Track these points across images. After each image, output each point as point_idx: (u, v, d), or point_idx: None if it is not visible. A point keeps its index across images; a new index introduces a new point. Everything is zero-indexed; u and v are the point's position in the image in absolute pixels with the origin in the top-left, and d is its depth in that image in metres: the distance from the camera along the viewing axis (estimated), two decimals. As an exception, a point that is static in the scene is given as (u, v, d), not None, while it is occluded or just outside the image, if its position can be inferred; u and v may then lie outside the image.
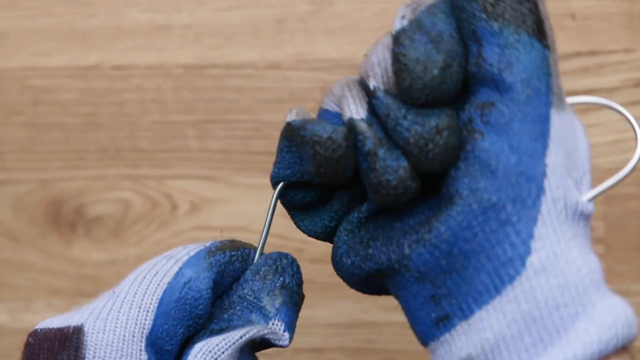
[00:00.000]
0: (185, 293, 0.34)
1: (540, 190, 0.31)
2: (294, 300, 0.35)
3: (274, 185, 0.35)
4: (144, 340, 0.33)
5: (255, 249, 0.36)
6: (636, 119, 0.61)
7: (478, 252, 0.31)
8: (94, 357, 0.33)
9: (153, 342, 0.34)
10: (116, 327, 0.34)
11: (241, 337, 0.32)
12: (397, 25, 0.31)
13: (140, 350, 0.33)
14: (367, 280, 0.34)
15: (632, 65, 0.58)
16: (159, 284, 0.34)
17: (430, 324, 0.33)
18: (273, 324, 0.34)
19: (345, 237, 0.35)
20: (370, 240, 0.34)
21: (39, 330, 0.34)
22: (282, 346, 0.34)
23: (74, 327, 0.34)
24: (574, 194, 0.32)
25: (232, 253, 0.35)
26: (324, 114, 0.35)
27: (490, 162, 0.31)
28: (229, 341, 0.32)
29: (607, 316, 0.31)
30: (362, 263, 0.34)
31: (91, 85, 0.59)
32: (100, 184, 0.60)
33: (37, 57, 0.60)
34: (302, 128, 0.32)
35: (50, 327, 0.34)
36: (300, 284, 0.36)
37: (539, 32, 0.32)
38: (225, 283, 0.35)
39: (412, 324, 0.34)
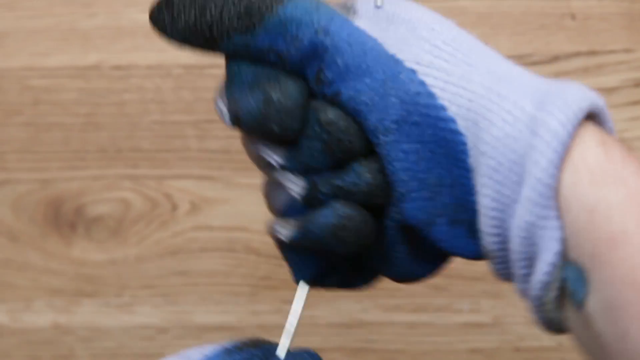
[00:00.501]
0: None
1: (411, 72, 0.32)
2: None
3: (297, 282, 0.36)
4: None
5: (277, 346, 0.35)
6: (636, 119, 0.61)
7: (432, 157, 0.32)
8: None
9: None
10: None
11: None
12: (226, 118, 0.34)
13: None
14: (423, 262, 0.36)
15: (632, 65, 0.58)
16: None
17: (473, 243, 0.33)
18: None
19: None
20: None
21: None
22: None
23: None
24: (448, 36, 0.33)
25: (254, 352, 0.34)
26: (290, 209, 0.36)
27: (361, 101, 0.32)
28: None
29: (556, 108, 0.29)
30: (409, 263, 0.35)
31: (91, 85, 0.60)
32: (100, 184, 0.60)
33: (37, 57, 0.60)
34: (310, 234, 0.33)
35: None
36: None
37: None
38: None
39: (467, 256, 0.34)
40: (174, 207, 0.59)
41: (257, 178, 0.59)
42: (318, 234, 0.33)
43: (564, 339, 0.61)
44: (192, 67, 0.58)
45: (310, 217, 0.34)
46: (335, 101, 0.33)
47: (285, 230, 0.35)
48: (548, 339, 0.58)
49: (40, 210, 0.60)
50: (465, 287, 0.58)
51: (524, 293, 0.31)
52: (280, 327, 0.37)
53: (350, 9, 0.34)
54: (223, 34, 0.33)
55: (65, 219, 0.61)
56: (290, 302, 0.57)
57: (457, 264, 0.61)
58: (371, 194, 0.33)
